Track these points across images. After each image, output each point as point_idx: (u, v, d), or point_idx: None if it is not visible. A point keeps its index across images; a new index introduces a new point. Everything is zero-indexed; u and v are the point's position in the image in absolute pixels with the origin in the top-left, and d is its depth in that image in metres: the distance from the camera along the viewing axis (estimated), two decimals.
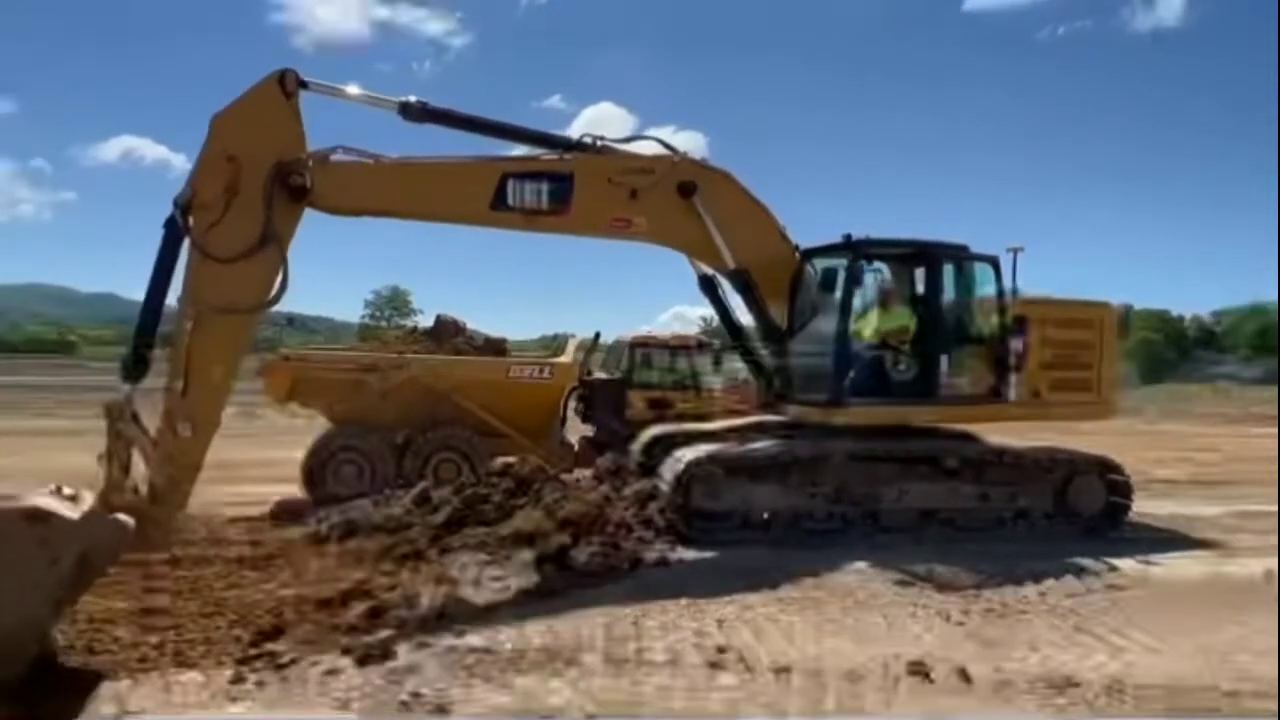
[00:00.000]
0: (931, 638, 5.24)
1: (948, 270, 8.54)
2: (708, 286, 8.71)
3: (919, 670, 4.59)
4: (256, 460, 13.95)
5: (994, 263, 8.48)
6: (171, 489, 5.89)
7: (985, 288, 8.57)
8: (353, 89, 7.02)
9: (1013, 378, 8.52)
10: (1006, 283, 8.52)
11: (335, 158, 6.70)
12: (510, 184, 7.26)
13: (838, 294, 8.24)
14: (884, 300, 8.81)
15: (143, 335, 6.06)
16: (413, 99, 6.97)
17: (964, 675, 4.55)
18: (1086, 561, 7.18)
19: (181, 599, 6.00)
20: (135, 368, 5.93)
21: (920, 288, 8.80)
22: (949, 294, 8.55)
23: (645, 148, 8.11)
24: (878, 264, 8.94)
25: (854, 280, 8.25)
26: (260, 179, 6.13)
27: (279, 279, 6.25)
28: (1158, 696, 4.40)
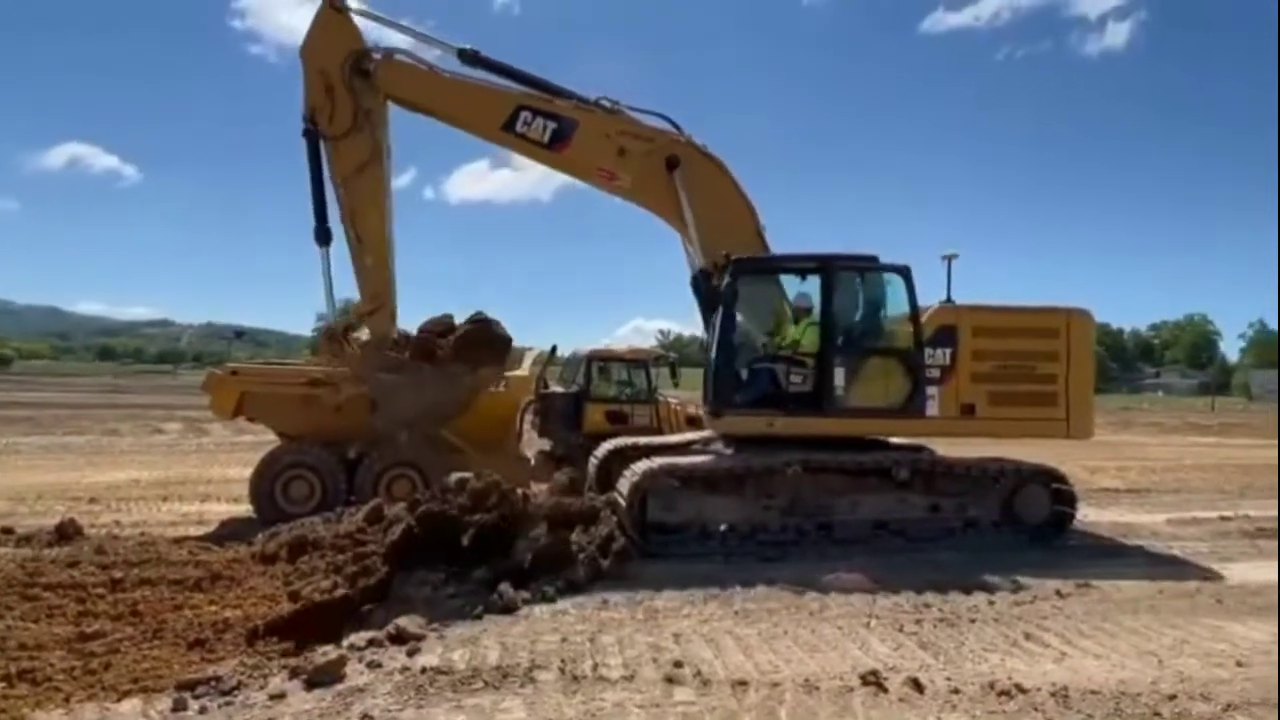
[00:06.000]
0: (885, 647, 5.30)
1: (849, 282, 8.59)
2: (698, 286, 9.24)
3: (873, 680, 4.63)
4: (202, 478, 13.60)
5: (903, 272, 8.38)
6: (379, 292, 9.78)
7: (898, 298, 8.44)
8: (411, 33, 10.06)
9: (934, 390, 8.38)
10: (941, 291, 8.64)
11: (398, 57, 9.49)
12: (523, 114, 9.22)
13: (720, 310, 8.46)
14: (795, 314, 8.94)
15: (321, 215, 9.63)
16: (469, 46, 9.53)
17: (916, 684, 4.61)
18: (1032, 570, 7.35)
19: (121, 622, 5.80)
20: (324, 236, 9.68)
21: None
22: (850, 306, 8.59)
23: (657, 123, 9.43)
24: (782, 277, 9.14)
25: (731, 297, 8.44)
26: (341, 75, 9.20)
27: (383, 139, 9.50)
28: (1103, 700, 4.51)
